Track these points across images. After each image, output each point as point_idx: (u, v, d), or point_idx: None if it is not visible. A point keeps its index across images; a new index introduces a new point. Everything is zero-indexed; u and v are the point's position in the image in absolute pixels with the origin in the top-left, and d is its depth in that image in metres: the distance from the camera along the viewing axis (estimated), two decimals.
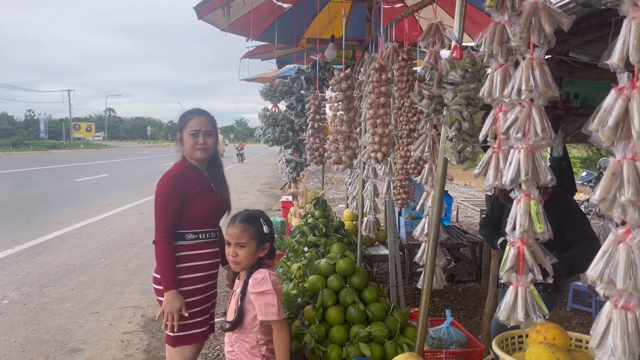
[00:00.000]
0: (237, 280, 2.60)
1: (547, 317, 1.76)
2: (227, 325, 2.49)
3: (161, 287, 2.76)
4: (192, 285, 2.77)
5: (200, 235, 2.84)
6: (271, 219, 3.22)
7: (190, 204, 2.78)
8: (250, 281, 2.46)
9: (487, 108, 2.05)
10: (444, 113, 2.31)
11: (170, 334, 2.74)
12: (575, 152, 21.67)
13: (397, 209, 5.92)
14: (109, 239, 9.05)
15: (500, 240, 3.48)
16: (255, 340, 2.51)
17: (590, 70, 4.86)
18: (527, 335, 2.25)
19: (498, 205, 3.64)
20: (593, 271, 1.28)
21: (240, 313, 2.46)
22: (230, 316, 2.53)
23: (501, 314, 1.72)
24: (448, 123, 2.29)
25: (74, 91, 76.72)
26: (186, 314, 2.70)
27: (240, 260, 2.46)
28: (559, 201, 3.23)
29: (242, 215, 2.53)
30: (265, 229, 2.53)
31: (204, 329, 2.86)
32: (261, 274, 2.47)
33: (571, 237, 3.16)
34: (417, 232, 3.00)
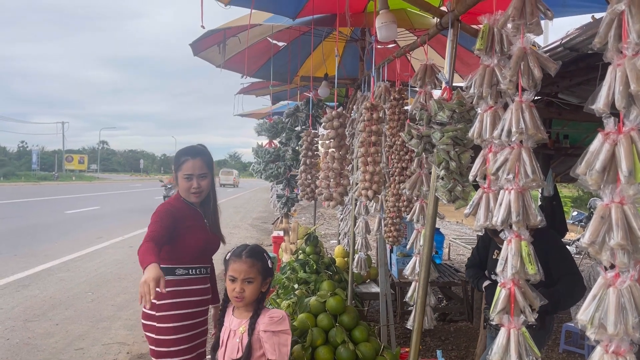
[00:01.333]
0: (232, 318, 2.52)
1: (539, 359, 1.73)
2: None
3: (150, 323, 2.71)
4: (180, 321, 2.72)
5: (190, 270, 2.80)
6: None
7: (181, 238, 2.75)
8: (266, 319, 2.40)
9: (476, 148, 2.08)
10: (433, 152, 2.35)
11: None
12: (566, 191, 21.87)
13: (388, 247, 5.90)
14: (97, 272, 8.90)
15: (485, 284, 3.43)
16: None
17: (578, 112, 4.95)
18: None
19: (484, 244, 3.61)
20: (584, 315, 1.27)
21: (248, 351, 2.38)
22: (232, 354, 2.44)
23: (493, 356, 1.70)
24: (436, 162, 2.31)
25: (68, 123, 76.72)
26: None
27: (246, 296, 2.40)
28: (542, 237, 3.21)
29: (247, 251, 2.47)
30: (270, 263, 2.50)
31: None
32: (279, 313, 2.45)
33: (556, 273, 3.13)
34: (407, 270, 2.99)
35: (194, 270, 2.82)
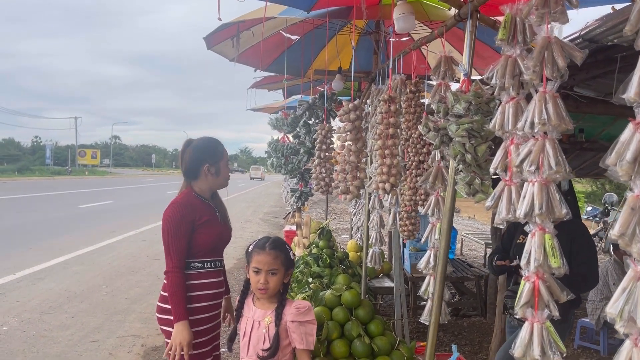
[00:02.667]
0: (254, 309, 2.55)
1: (564, 355, 1.71)
2: (265, 354, 2.44)
3: (165, 317, 2.72)
4: (197, 314, 2.73)
5: (205, 264, 2.81)
6: None
7: (198, 233, 2.76)
8: (293, 310, 2.46)
9: (496, 140, 2.05)
10: (449, 145, 2.32)
11: None
12: (580, 186, 21.66)
13: (401, 241, 5.88)
14: (111, 266, 8.98)
15: (496, 259, 3.39)
16: None
17: (596, 105, 4.88)
18: None
19: (509, 233, 3.57)
20: (612, 308, 1.25)
21: (277, 341, 2.43)
22: (258, 345, 2.48)
23: (516, 350, 1.68)
24: (452, 155, 2.29)
25: (80, 118, 77.43)
26: (193, 351, 2.65)
27: (270, 287, 2.44)
28: (569, 226, 3.15)
29: (270, 243, 2.50)
30: (292, 255, 2.54)
31: (209, 358, 2.80)
32: (305, 303, 2.51)
33: (577, 259, 3.09)
34: (421, 264, 2.97)
35: (209, 264, 2.83)
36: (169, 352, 2.63)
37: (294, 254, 2.55)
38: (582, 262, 3.07)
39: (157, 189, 33.49)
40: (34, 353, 4.94)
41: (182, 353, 2.61)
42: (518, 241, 3.33)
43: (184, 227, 2.71)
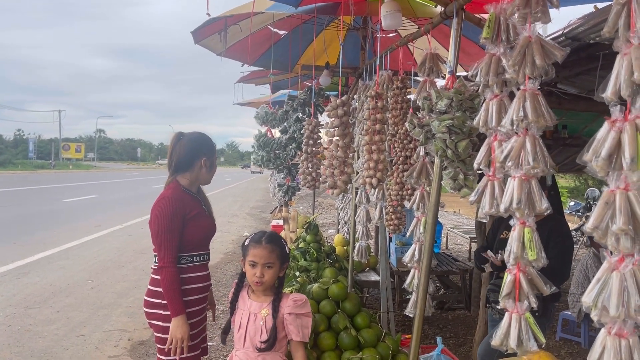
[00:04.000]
0: (250, 302, 2.58)
1: (542, 345, 1.77)
2: (263, 346, 2.48)
3: (154, 311, 2.75)
4: (188, 308, 2.75)
5: (195, 258, 2.83)
6: None
7: (188, 228, 2.78)
8: (290, 302, 2.52)
9: (479, 136, 2.10)
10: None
11: (164, 357, 2.71)
12: (563, 182, 21.94)
13: (388, 236, 5.94)
14: (97, 260, 8.94)
15: (481, 250, 3.47)
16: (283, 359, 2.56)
17: (578, 101, 4.97)
18: None
19: (493, 230, 3.64)
20: (587, 297, 1.30)
21: (274, 333, 2.49)
22: (255, 337, 2.52)
23: (495, 340, 1.74)
24: (434, 150, 2.34)
25: (64, 111, 76.31)
26: (190, 342, 2.69)
27: (265, 281, 2.49)
28: (548, 222, 3.21)
29: (266, 237, 2.55)
30: (287, 249, 2.59)
31: (196, 352, 2.83)
32: (301, 296, 2.58)
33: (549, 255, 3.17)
34: (407, 258, 3.01)
35: (197, 258, 2.85)
36: (170, 346, 2.65)
37: (289, 249, 2.59)
38: (554, 256, 3.15)
39: (143, 183, 33.26)
40: (19, 347, 4.92)
41: (183, 346, 2.65)
42: (501, 237, 3.41)
43: (177, 222, 2.73)
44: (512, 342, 1.73)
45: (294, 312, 2.51)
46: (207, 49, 5.51)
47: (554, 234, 3.21)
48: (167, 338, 2.68)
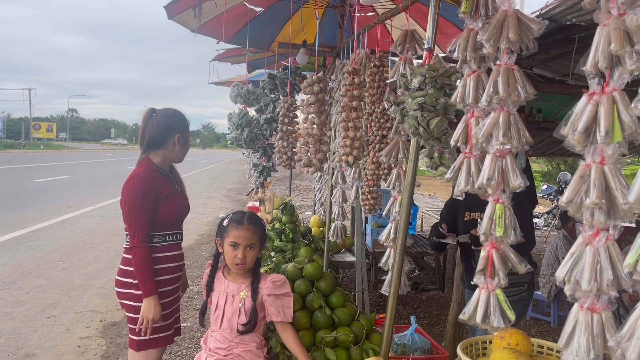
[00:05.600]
0: (227, 283, 2.54)
1: (512, 323, 1.78)
2: (243, 328, 2.46)
3: (125, 291, 2.71)
4: (161, 287, 2.71)
5: (167, 237, 2.78)
6: None
7: (161, 207, 2.72)
8: (269, 284, 2.50)
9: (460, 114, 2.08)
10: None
11: (135, 338, 2.68)
12: (536, 166, 22.31)
13: (364, 216, 5.95)
14: (68, 241, 8.77)
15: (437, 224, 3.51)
16: (260, 341, 2.55)
17: (553, 84, 5.01)
18: (491, 342, 2.27)
19: (452, 210, 3.61)
20: (561, 272, 1.30)
21: (254, 315, 2.46)
22: (233, 318, 2.48)
23: (462, 315, 1.76)
24: (408, 128, 2.32)
25: (34, 90, 73.82)
26: (162, 322, 2.67)
27: (247, 262, 2.46)
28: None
29: (248, 217, 2.50)
30: (266, 230, 2.56)
31: (169, 332, 2.79)
32: (280, 277, 2.56)
33: None
34: (382, 237, 3.01)
35: (170, 237, 2.80)
36: (140, 326, 2.61)
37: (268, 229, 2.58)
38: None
39: (117, 163, 32.69)
40: None
41: (154, 326, 2.61)
42: (465, 219, 3.43)
43: (149, 201, 2.67)
44: (478, 318, 1.75)
45: (273, 292, 2.50)
46: (181, 25, 5.37)
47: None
48: (138, 318, 2.64)
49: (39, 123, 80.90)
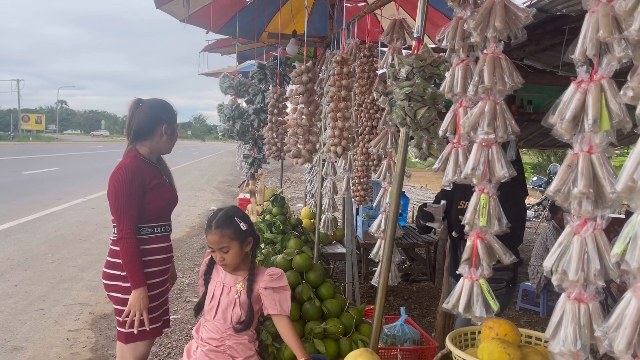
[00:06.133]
0: (224, 274, 2.53)
1: (495, 313, 1.78)
2: (239, 327, 2.46)
3: (113, 283, 2.69)
4: (149, 279, 2.68)
5: (155, 229, 2.75)
6: None
7: (148, 197, 2.69)
8: (266, 277, 2.49)
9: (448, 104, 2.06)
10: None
11: (123, 330, 2.66)
12: (527, 158, 22.40)
13: (354, 207, 5.94)
14: (58, 234, 8.70)
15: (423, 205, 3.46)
16: (253, 334, 2.54)
17: (544, 75, 5.02)
18: (479, 332, 2.28)
19: (445, 200, 3.60)
20: (549, 262, 1.30)
21: (250, 311, 2.46)
22: (228, 309, 2.48)
23: (446, 304, 1.76)
24: (395, 118, 2.30)
25: (23, 81, 72.84)
26: (148, 315, 2.64)
27: (228, 263, 2.46)
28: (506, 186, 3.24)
29: (216, 220, 2.45)
30: (243, 226, 2.47)
31: (157, 324, 2.76)
32: (277, 270, 2.55)
33: None
34: (373, 228, 3.00)
35: (158, 229, 2.78)
36: (126, 318, 2.59)
37: (246, 223, 2.50)
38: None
39: (107, 155, 32.44)
40: None
41: (141, 319, 2.60)
42: (459, 207, 3.40)
43: (136, 192, 2.64)
44: (461, 307, 1.75)
45: (270, 286, 2.49)
46: (170, 15, 5.30)
47: (509, 201, 3.27)
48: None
49: (27, 115, 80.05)
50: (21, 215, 9.98)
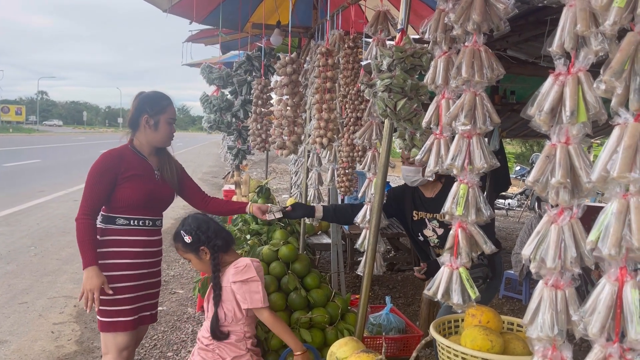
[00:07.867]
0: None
1: (475, 300, 1.82)
2: (207, 342, 2.49)
3: None
4: (118, 270, 2.67)
5: (132, 221, 2.73)
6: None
7: (121, 187, 2.68)
8: (232, 270, 2.48)
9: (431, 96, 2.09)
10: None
11: (100, 318, 2.67)
12: (510, 147, 22.65)
13: (340, 198, 5.97)
14: (40, 226, 8.61)
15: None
16: (242, 333, 2.51)
17: (526, 65, 5.08)
18: (462, 320, 2.32)
19: (396, 202, 3.41)
20: (527, 250, 1.33)
21: (215, 319, 2.46)
22: (209, 312, 2.54)
23: (427, 291, 1.81)
24: (377, 110, 2.33)
25: (2, 71, 71.62)
26: (110, 292, 2.61)
27: (199, 269, 2.60)
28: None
29: (173, 235, 2.62)
30: (187, 239, 2.52)
31: (134, 317, 2.73)
32: (243, 262, 2.50)
33: None
34: (358, 218, 3.03)
35: (135, 221, 2.74)
36: (85, 299, 2.57)
37: (191, 235, 2.52)
38: None
39: (90, 147, 32.05)
40: None
41: (100, 298, 2.58)
42: (414, 218, 3.27)
43: (105, 178, 2.66)
44: (439, 294, 1.79)
45: (238, 279, 2.45)
46: (152, 5, 5.24)
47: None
48: (103, 298, 2.61)
49: (7, 106, 78.68)
50: (3, 208, 9.85)
